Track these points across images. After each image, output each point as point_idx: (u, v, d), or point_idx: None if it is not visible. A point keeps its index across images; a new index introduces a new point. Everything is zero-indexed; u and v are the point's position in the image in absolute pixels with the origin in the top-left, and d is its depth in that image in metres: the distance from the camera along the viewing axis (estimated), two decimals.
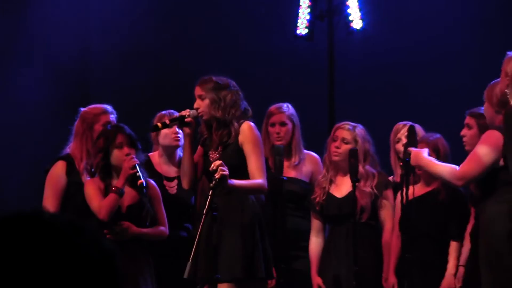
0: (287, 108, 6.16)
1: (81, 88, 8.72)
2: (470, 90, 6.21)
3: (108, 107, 5.74)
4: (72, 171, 5.60)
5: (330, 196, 5.93)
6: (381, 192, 5.89)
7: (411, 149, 5.28)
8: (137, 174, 5.27)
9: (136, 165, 5.28)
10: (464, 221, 5.65)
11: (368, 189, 5.87)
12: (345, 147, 5.85)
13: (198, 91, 5.36)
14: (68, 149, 5.70)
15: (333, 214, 5.91)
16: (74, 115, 5.77)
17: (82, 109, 5.77)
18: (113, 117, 5.69)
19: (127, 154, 5.30)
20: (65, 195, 5.58)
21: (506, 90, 4.70)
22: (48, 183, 5.63)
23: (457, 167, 5.06)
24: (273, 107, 6.16)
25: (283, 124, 6.08)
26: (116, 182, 5.29)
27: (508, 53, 4.82)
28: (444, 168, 5.13)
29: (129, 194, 5.34)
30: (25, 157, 8.13)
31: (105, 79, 8.90)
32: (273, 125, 6.09)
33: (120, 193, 5.26)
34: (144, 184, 5.30)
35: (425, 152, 5.27)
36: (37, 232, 1.33)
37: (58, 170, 5.61)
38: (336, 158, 5.90)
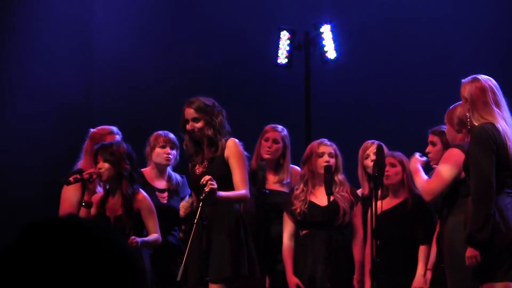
0: (282, 129, 6.51)
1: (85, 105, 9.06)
2: (431, 113, 6.42)
3: (114, 128, 6.04)
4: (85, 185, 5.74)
5: (313, 205, 6.18)
6: (356, 200, 6.19)
7: (415, 154, 5.50)
8: (85, 177, 5.59)
9: (91, 174, 5.58)
10: (430, 226, 5.92)
11: (346, 194, 6.17)
12: (332, 161, 6.16)
13: (191, 114, 5.56)
14: (78, 165, 5.96)
15: (318, 220, 6.13)
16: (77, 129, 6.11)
17: (92, 130, 6.07)
18: (118, 138, 5.96)
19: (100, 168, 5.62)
20: (79, 207, 5.72)
21: (467, 114, 4.98)
22: (64, 196, 5.84)
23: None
24: (269, 126, 6.53)
25: (276, 141, 6.43)
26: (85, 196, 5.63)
27: (462, 80, 5.08)
28: (421, 182, 5.31)
29: (117, 206, 5.61)
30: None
31: (107, 94, 9.24)
32: (267, 140, 6.44)
33: (87, 205, 5.61)
34: (78, 178, 5.60)
35: (421, 161, 5.50)
36: (74, 232, 1.43)
37: (73, 184, 5.73)
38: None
